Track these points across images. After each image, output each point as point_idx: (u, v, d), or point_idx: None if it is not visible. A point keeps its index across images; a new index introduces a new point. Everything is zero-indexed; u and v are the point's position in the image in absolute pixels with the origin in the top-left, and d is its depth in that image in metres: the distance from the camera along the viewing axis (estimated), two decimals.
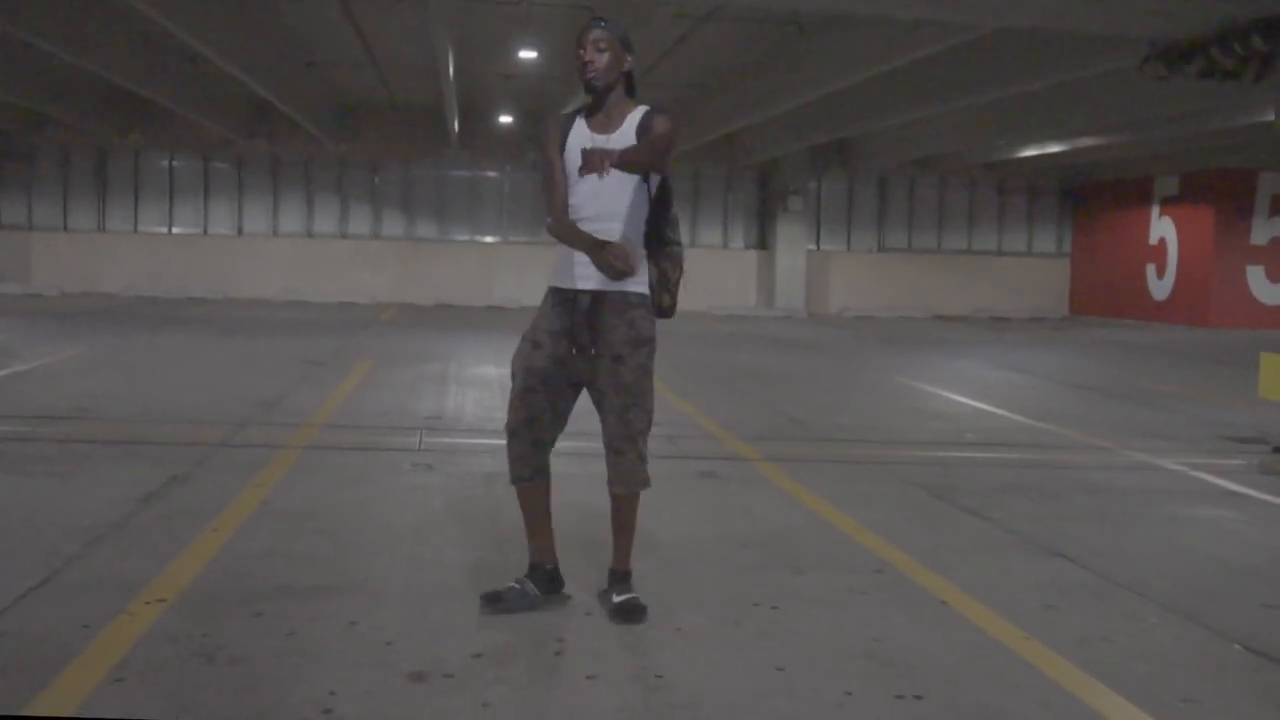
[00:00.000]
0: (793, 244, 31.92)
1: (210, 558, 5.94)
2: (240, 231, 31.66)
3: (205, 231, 31.61)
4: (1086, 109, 20.49)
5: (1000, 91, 18.38)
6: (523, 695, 4.30)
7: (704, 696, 4.34)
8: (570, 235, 5.41)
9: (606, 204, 5.37)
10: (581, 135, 5.46)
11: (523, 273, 30.62)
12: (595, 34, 5.43)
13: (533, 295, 5.54)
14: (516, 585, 5.40)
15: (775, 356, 18.88)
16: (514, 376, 5.49)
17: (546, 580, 5.46)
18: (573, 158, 5.33)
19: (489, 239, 32.21)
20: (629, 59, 5.51)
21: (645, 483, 5.43)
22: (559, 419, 5.50)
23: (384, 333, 21.52)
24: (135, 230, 31.49)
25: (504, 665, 4.57)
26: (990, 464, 9.59)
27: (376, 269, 31.44)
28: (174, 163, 31.62)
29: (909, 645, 4.99)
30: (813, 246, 32.93)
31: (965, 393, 14.24)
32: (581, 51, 5.42)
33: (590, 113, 5.53)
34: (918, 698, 4.39)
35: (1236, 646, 5.12)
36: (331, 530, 6.65)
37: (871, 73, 17.33)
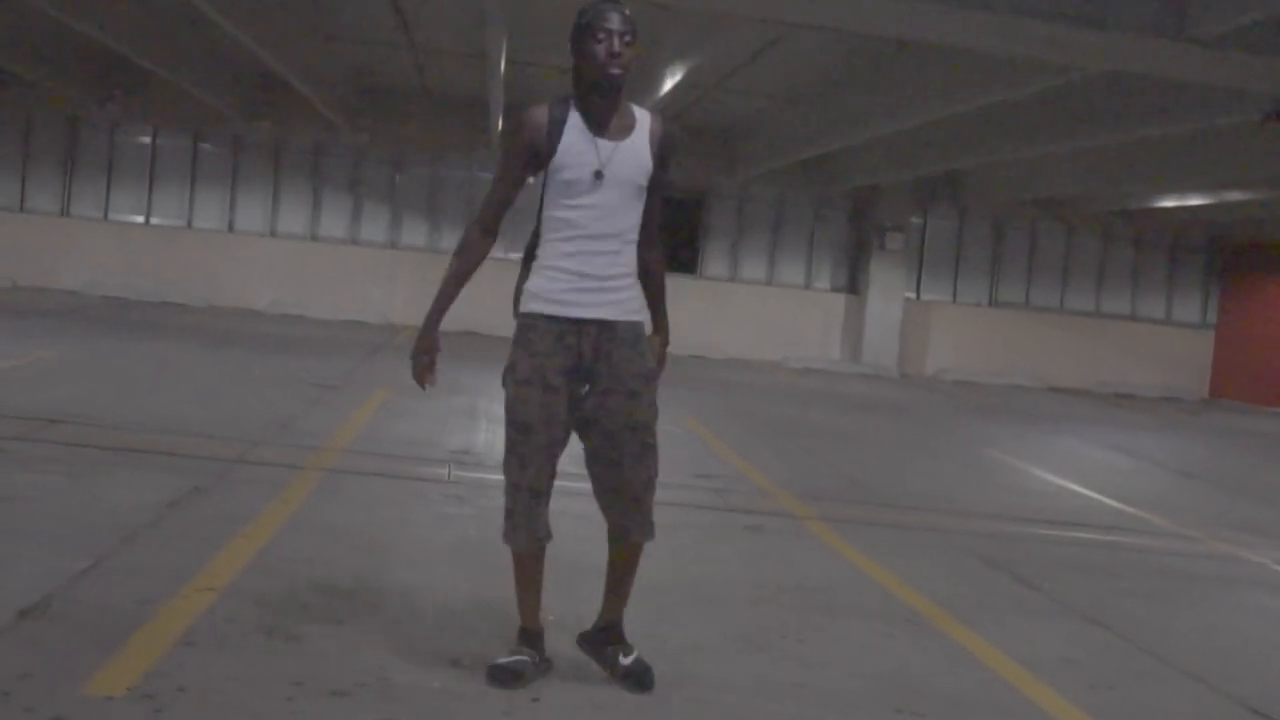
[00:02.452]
0: (888, 289, 32.55)
1: (249, 560, 7.60)
2: (231, 228, 32.20)
3: (189, 225, 32.14)
4: (1230, 159, 21.95)
5: (1124, 135, 20.02)
6: (560, 683, 5.92)
7: (723, 697, 6.01)
8: (455, 282, 6.15)
9: (617, 221, 5.85)
10: (582, 138, 5.78)
11: None
12: (620, 20, 5.68)
13: None
14: (529, 660, 5.94)
15: (851, 418, 20.53)
16: (527, 429, 5.83)
17: (540, 643, 6.06)
18: (572, 160, 5.74)
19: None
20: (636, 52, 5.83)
21: (654, 532, 6.03)
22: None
23: (401, 359, 22.82)
24: (105, 218, 32.02)
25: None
26: (1058, 541, 11.21)
27: (391, 284, 31.70)
28: (157, 140, 32.19)
29: (922, 677, 6.64)
30: (911, 294, 33.58)
31: (1057, 472, 15.81)
32: (605, 40, 5.64)
33: (588, 110, 5.81)
34: (917, 715, 6.04)
35: (1238, 707, 6.72)
36: (367, 545, 8.35)
37: (982, 102, 18.92)
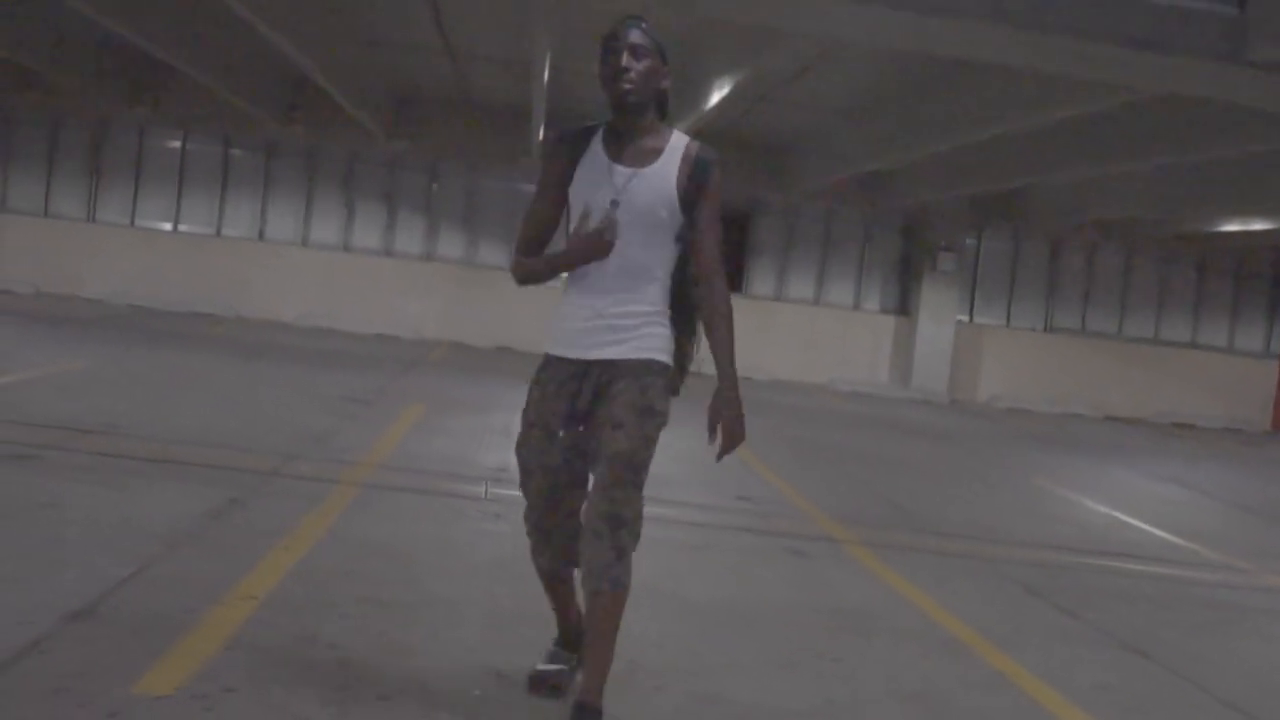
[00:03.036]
0: (939, 312, 32.64)
1: (288, 570, 8.01)
2: (261, 236, 32.41)
3: (219, 232, 32.33)
4: None
5: (1184, 157, 20.32)
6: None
7: (756, 711, 6.39)
8: (548, 268, 5.95)
9: (634, 255, 5.71)
10: (599, 165, 5.74)
11: None
12: (635, 36, 5.60)
13: None
14: (565, 668, 6.24)
15: (897, 443, 20.89)
16: (528, 474, 5.91)
17: (577, 636, 6.30)
18: (586, 187, 5.75)
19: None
20: (667, 74, 5.73)
21: (621, 582, 5.64)
22: (584, 496, 5.90)
23: (435, 375, 23.66)
24: (132, 224, 32.22)
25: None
26: (1104, 571, 11.56)
27: (425, 297, 31.87)
28: (187, 144, 32.39)
29: (954, 698, 7.02)
30: (964, 317, 33.67)
31: (1108, 503, 16.13)
32: (612, 56, 5.60)
33: (612, 135, 5.77)
34: None
35: None
36: (405, 558, 8.76)
37: (1039, 121, 19.25)
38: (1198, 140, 18.95)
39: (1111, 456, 23.10)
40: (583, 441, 5.79)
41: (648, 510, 5.82)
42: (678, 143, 5.73)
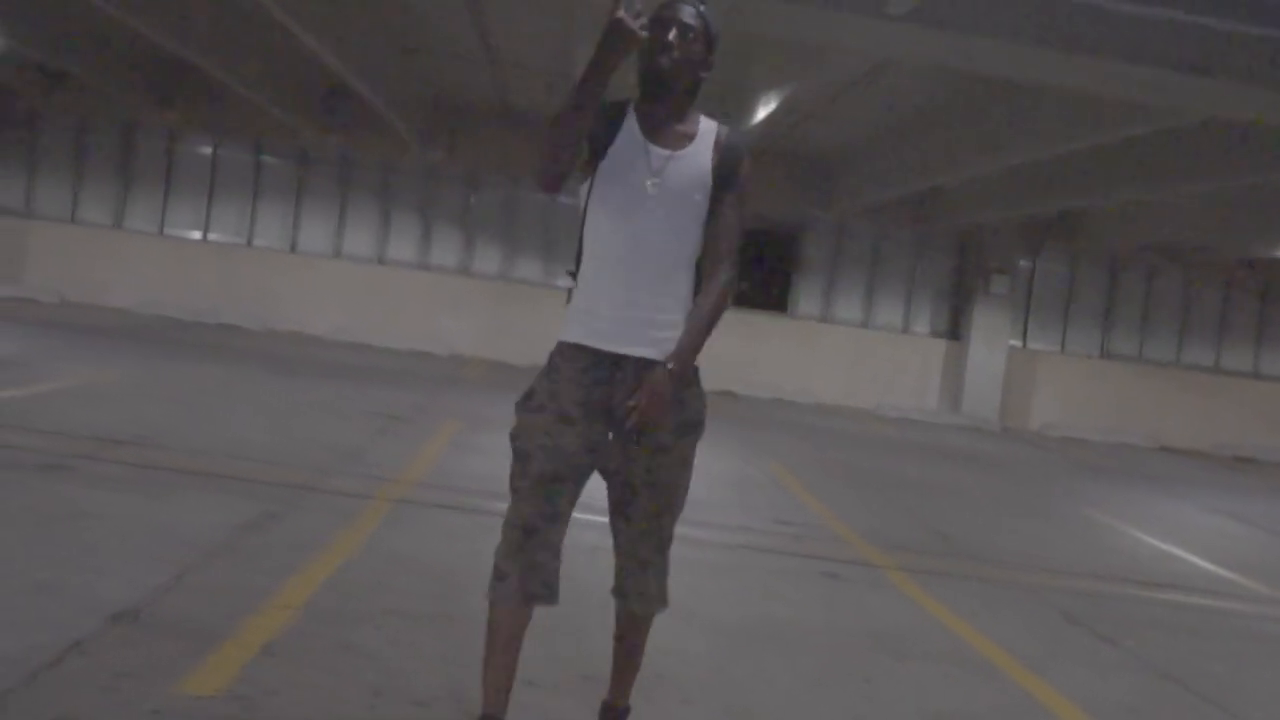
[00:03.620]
0: (992, 336, 32.65)
1: (323, 582, 8.42)
2: (293, 247, 32.61)
3: (249, 243, 32.56)
4: None
5: (1235, 180, 20.59)
6: None
7: None
8: (572, 96, 5.23)
9: (668, 242, 5.47)
10: (635, 142, 5.51)
11: None
12: (688, 16, 5.43)
13: None
14: None
15: (943, 470, 21.24)
16: (526, 458, 5.41)
17: None
18: (620, 167, 5.44)
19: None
20: (709, 66, 5.56)
21: (666, 601, 5.84)
22: (570, 514, 5.58)
23: (471, 392, 24.04)
24: (161, 232, 32.47)
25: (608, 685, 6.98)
26: (1147, 602, 11.90)
27: (461, 314, 32.05)
28: (219, 151, 32.64)
29: (982, 717, 7.37)
30: (1017, 342, 33.68)
31: (1159, 534, 16.43)
32: (659, 29, 5.35)
33: (643, 115, 5.54)
34: None
35: None
36: (437, 573, 9.17)
37: (1091, 142, 19.52)
38: (1250, 165, 19.19)
39: (1165, 488, 23.35)
40: (603, 443, 5.48)
41: (678, 531, 5.86)
42: (707, 128, 5.57)
